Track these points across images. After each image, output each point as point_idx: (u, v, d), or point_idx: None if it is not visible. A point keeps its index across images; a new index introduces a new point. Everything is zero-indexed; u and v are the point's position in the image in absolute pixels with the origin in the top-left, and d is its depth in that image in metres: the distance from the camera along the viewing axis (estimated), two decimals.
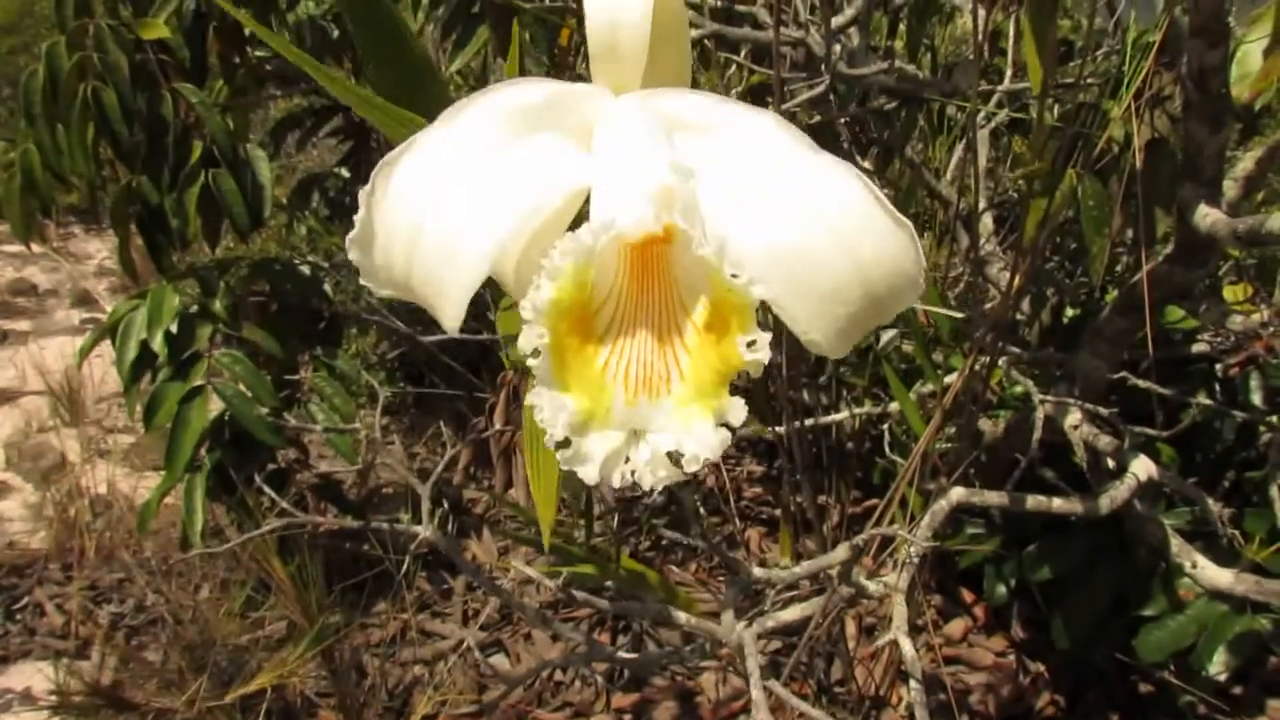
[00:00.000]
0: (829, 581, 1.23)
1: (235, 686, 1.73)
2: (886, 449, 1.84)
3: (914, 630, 1.18)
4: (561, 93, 0.52)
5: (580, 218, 0.50)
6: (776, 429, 1.73)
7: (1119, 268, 1.90)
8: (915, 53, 2.10)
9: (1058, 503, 1.34)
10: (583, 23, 0.53)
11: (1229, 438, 1.72)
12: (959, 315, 1.61)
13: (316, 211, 2.76)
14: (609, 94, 0.54)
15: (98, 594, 2.30)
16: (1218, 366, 1.74)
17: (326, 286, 2.27)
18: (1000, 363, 1.67)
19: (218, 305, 1.86)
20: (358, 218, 0.51)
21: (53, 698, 1.81)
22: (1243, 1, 1.32)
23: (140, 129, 1.76)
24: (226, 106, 1.89)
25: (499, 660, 2.05)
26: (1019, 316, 1.99)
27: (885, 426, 1.90)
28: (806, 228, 0.49)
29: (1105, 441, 1.42)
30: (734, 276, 0.44)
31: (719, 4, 1.82)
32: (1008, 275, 1.40)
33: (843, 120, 1.96)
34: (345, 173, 2.70)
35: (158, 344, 1.75)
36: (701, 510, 2.16)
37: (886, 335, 2.05)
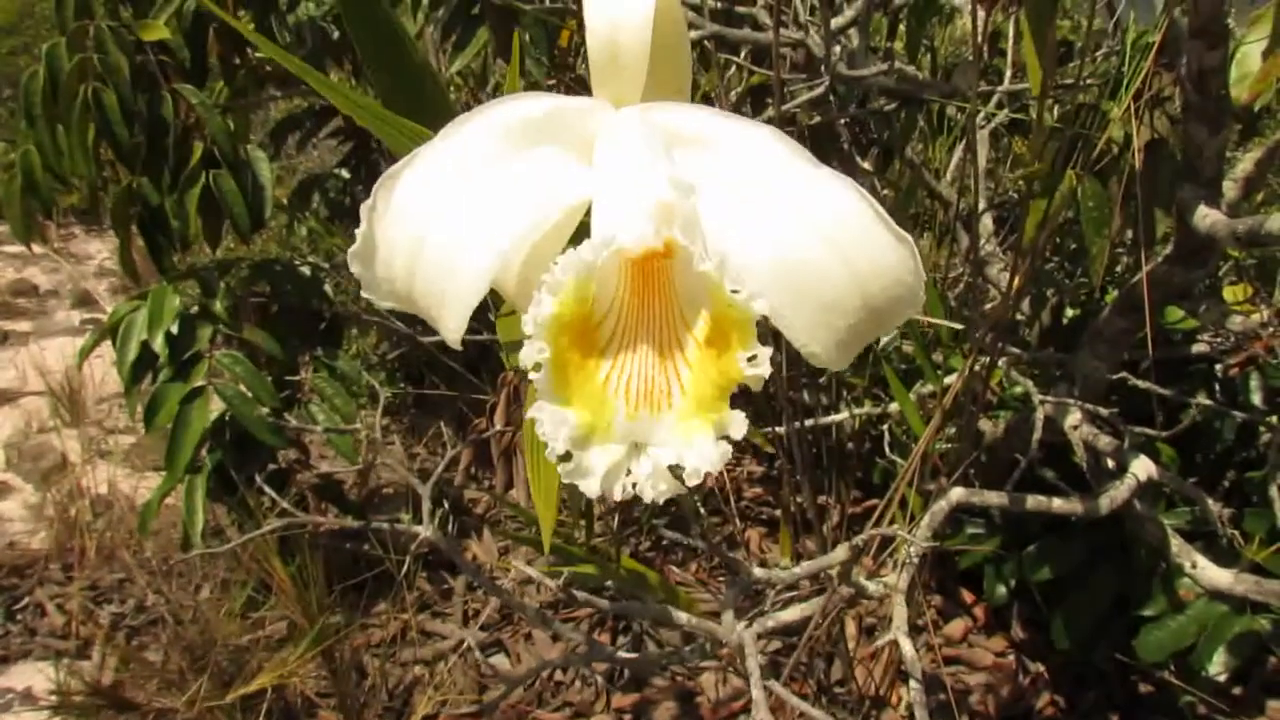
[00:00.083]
0: (829, 582, 1.23)
1: (236, 686, 1.73)
2: (886, 449, 1.84)
3: (914, 630, 1.19)
4: (562, 107, 0.53)
5: (582, 228, 0.50)
6: (776, 429, 1.73)
7: (1119, 268, 1.91)
8: (915, 54, 2.10)
9: (1058, 503, 1.34)
10: (583, 24, 0.53)
11: (1229, 438, 1.73)
12: (959, 326, 1.61)
13: (317, 212, 2.76)
14: (609, 107, 0.54)
15: (98, 594, 2.30)
16: (1217, 367, 1.74)
17: (327, 287, 2.28)
18: (1000, 363, 1.67)
19: (218, 306, 1.86)
20: (359, 231, 0.52)
21: (53, 698, 1.81)
22: (1242, 2, 1.32)
23: (141, 130, 1.76)
24: (227, 107, 1.89)
25: (499, 660, 2.05)
26: (1019, 317, 1.99)
27: (885, 427, 1.90)
28: (806, 241, 0.49)
29: (1105, 442, 1.42)
30: (735, 292, 0.44)
31: (719, 5, 1.82)
32: (1007, 276, 1.40)
33: (843, 121, 1.96)
34: (346, 174, 2.70)
35: (158, 345, 1.75)
36: (701, 510, 2.16)
37: (886, 336, 2.05)
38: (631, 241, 0.45)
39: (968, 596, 2.01)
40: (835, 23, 1.76)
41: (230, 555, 1.96)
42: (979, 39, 1.30)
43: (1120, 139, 1.38)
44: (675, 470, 0.46)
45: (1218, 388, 1.74)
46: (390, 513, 2.46)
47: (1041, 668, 1.84)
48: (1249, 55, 1.19)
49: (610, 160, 0.51)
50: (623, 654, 1.50)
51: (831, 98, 1.80)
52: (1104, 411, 1.45)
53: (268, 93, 2.34)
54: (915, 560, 1.23)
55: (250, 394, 1.78)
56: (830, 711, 1.70)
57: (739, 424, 0.46)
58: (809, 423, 1.82)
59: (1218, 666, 1.42)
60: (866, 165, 2.12)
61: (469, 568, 1.28)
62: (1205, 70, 1.15)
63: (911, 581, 1.21)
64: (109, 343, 1.82)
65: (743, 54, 1.97)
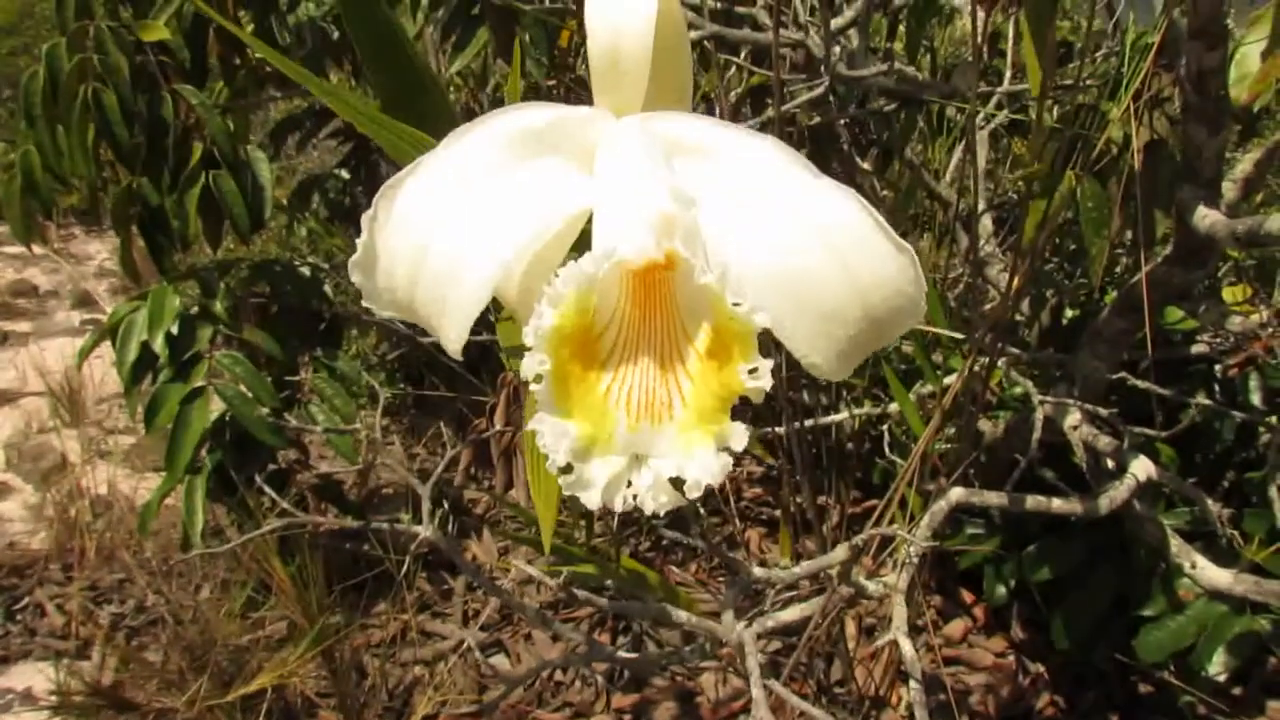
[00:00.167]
0: (829, 581, 1.23)
1: (236, 686, 1.73)
2: (886, 449, 1.84)
3: (914, 631, 1.19)
4: (563, 117, 0.53)
5: (584, 235, 0.50)
6: (776, 429, 1.73)
7: (1118, 269, 1.91)
8: (914, 54, 2.10)
9: (1057, 503, 1.34)
10: (583, 24, 0.54)
11: (1228, 438, 1.73)
12: (960, 335, 1.61)
13: (316, 213, 2.77)
14: (610, 116, 0.54)
15: (98, 594, 2.30)
16: (1217, 367, 1.74)
17: (327, 288, 2.28)
18: (1000, 363, 1.67)
19: (218, 306, 1.86)
20: (360, 241, 0.52)
21: (53, 698, 1.81)
22: (1242, 3, 1.32)
23: (141, 130, 1.76)
24: (227, 108, 1.89)
25: (499, 660, 2.05)
26: (1018, 317, 2.00)
27: (885, 427, 1.90)
28: (806, 251, 0.49)
29: (1105, 442, 1.42)
30: (736, 305, 0.44)
31: (718, 5, 1.82)
32: (1007, 276, 1.40)
33: (842, 121, 1.97)
34: (345, 174, 2.70)
35: (158, 345, 1.75)
36: (701, 510, 2.16)
37: (887, 345, 2.04)
38: (633, 253, 0.45)
39: (967, 597, 2.01)
40: (835, 23, 1.76)
41: (230, 555, 1.96)
42: (979, 40, 1.30)
43: (1120, 139, 1.38)
44: (676, 482, 0.46)
45: (1217, 388, 1.74)
46: (390, 513, 2.46)
47: (1041, 668, 1.84)
48: (1248, 56, 1.20)
49: (611, 171, 0.51)
50: (623, 654, 1.50)
51: (831, 98, 1.81)
52: (1103, 412, 1.45)
53: (267, 93, 2.34)
54: (915, 560, 1.23)
55: (250, 394, 1.78)
56: (830, 712, 1.70)
57: (740, 435, 0.46)
58: (809, 423, 1.82)
59: (1217, 667, 1.42)
60: (866, 166, 2.12)
61: (469, 568, 1.28)
62: (1205, 71, 1.15)
63: (911, 581, 1.21)
64: (108, 343, 1.82)
65: (743, 54, 1.97)
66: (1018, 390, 1.76)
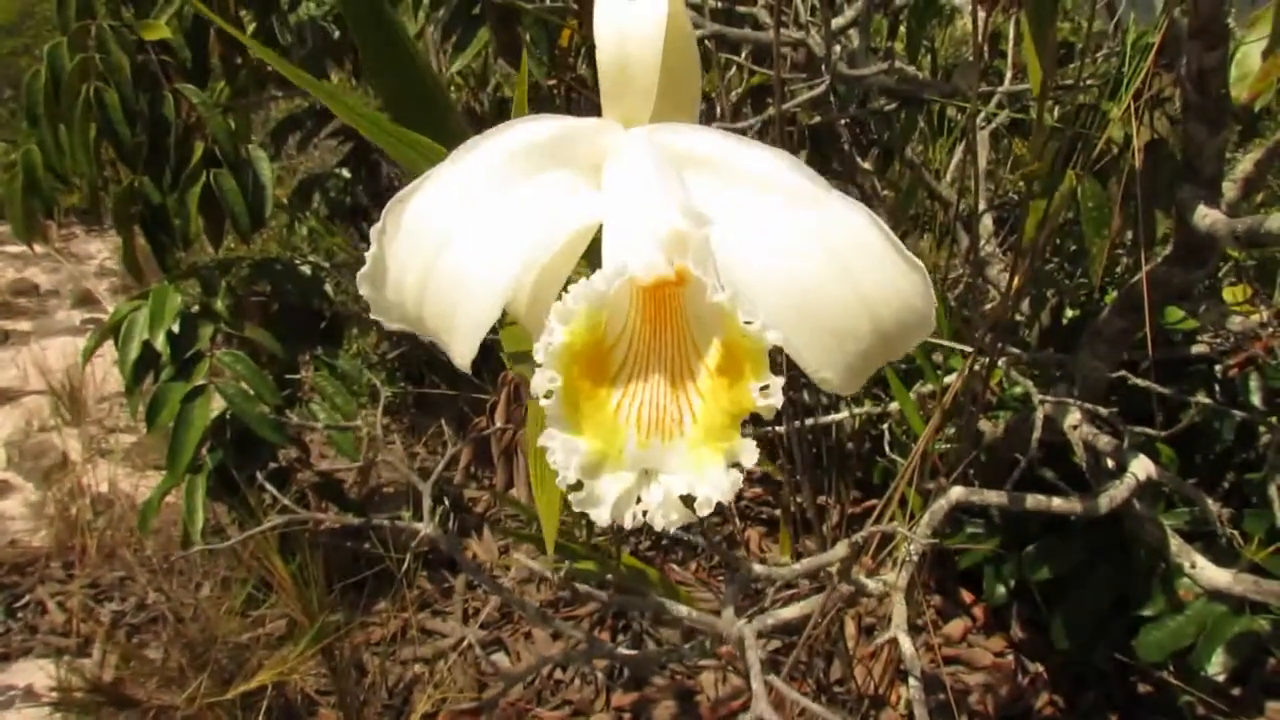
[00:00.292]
0: (828, 580, 1.23)
1: (236, 684, 1.73)
2: (886, 448, 1.84)
3: (913, 630, 1.19)
4: (571, 128, 0.52)
5: (594, 244, 0.50)
6: (777, 428, 1.73)
7: (1118, 269, 1.91)
8: (915, 54, 2.10)
9: (1057, 502, 1.34)
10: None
11: (1228, 438, 1.73)
12: (967, 349, 1.61)
13: (317, 212, 2.77)
14: (618, 128, 0.53)
15: (99, 592, 2.31)
16: (1217, 367, 1.74)
17: (327, 287, 2.28)
18: (1000, 363, 1.67)
19: (219, 305, 1.86)
20: (369, 254, 0.52)
21: (54, 695, 1.82)
22: (1242, 2, 1.32)
23: (142, 129, 1.76)
24: (228, 107, 1.90)
25: (499, 659, 2.05)
26: (1019, 317, 2.00)
27: (885, 426, 1.90)
28: (817, 268, 0.49)
29: (1105, 441, 1.42)
30: (748, 323, 0.44)
31: (719, 5, 1.83)
32: (1007, 276, 1.40)
33: (843, 121, 1.97)
34: (346, 173, 2.71)
35: (160, 344, 1.76)
36: None
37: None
38: (644, 271, 0.45)
39: (967, 596, 2.02)
40: (836, 23, 1.76)
41: (230, 553, 1.96)
42: (979, 39, 1.30)
43: (1120, 139, 1.38)
44: (687, 499, 0.46)
45: (1217, 388, 1.74)
46: (391, 512, 2.46)
47: (1041, 668, 1.84)
48: (1249, 55, 1.20)
49: (621, 185, 0.50)
50: (623, 651, 1.51)
51: (832, 97, 1.81)
52: (1103, 411, 1.45)
53: (269, 92, 2.34)
54: (915, 559, 1.23)
55: (251, 392, 1.79)
56: (829, 711, 1.70)
57: (750, 452, 0.46)
58: (809, 422, 1.82)
59: (1217, 667, 1.42)
60: (867, 165, 2.12)
61: (469, 565, 1.28)
62: (1205, 70, 1.16)
63: (911, 580, 1.22)
64: (109, 342, 1.82)
65: (743, 53, 1.97)
66: (1018, 390, 1.76)
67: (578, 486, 0.46)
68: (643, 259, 0.45)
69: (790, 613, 1.21)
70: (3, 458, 2.92)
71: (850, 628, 1.84)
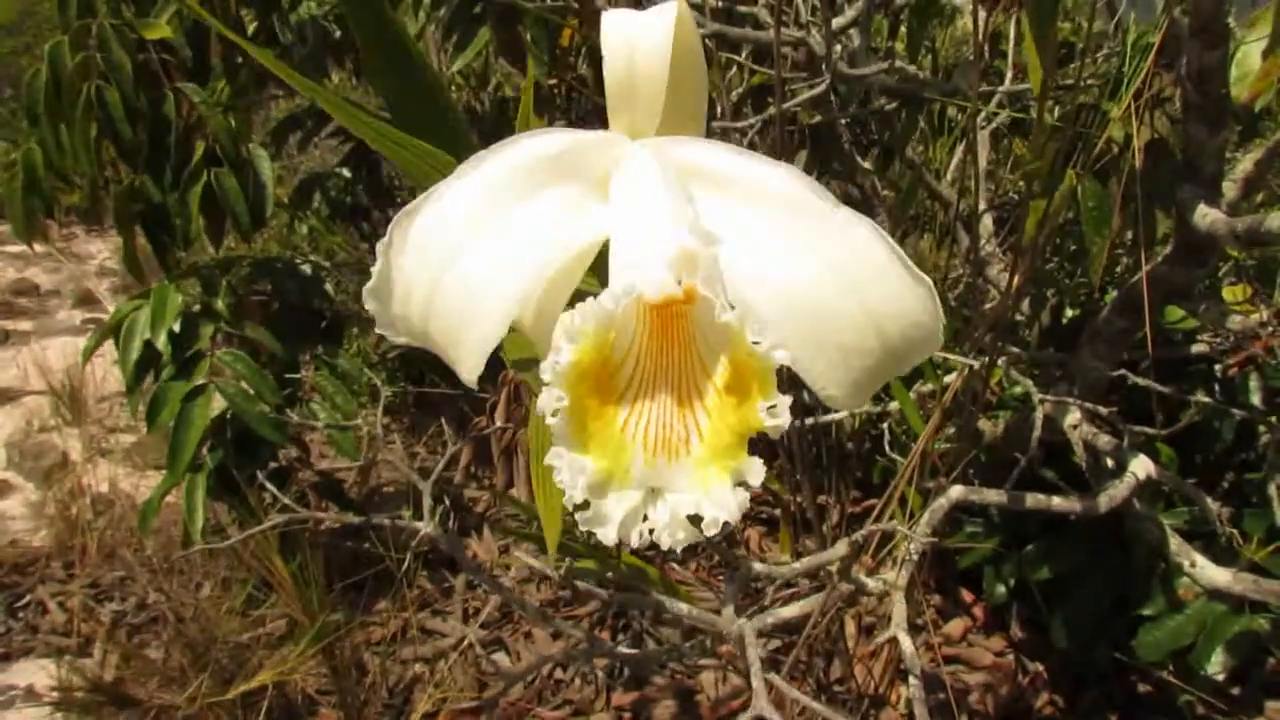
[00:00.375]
0: (828, 579, 1.24)
1: (236, 684, 1.73)
2: (886, 448, 1.84)
3: (913, 629, 1.19)
4: (578, 142, 0.52)
5: (601, 256, 0.50)
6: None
7: (1119, 268, 1.91)
8: (916, 54, 2.10)
9: (1057, 501, 1.34)
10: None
11: (1228, 438, 1.73)
12: (973, 363, 1.60)
13: (318, 211, 2.77)
14: (625, 140, 0.53)
15: (99, 592, 2.31)
16: (1217, 367, 1.74)
17: (328, 286, 2.28)
18: (1000, 363, 1.67)
19: (220, 304, 1.86)
20: (375, 269, 0.51)
21: (55, 694, 1.82)
22: (1242, 2, 1.32)
23: (143, 128, 1.76)
24: (229, 106, 1.90)
25: (499, 658, 2.05)
26: (1019, 317, 2.00)
27: (885, 426, 1.90)
28: (824, 285, 0.49)
29: (1104, 441, 1.42)
30: (756, 343, 0.44)
31: (720, 4, 1.83)
32: (1007, 276, 1.40)
33: (843, 121, 1.97)
34: (347, 173, 2.71)
35: (161, 343, 1.76)
36: None
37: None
38: (652, 290, 0.44)
39: (967, 596, 2.02)
40: (836, 22, 1.76)
41: (231, 553, 1.96)
42: (980, 39, 1.30)
43: (1120, 139, 1.38)
44: (694, 519, 0.46)
45: (1217, 387, 1.74)
46: (391, 511, 2.46)
47: (1040, 667, 1.84)
48: (1249, 55, 1.20)
49: (629, 201, 0.50)
50: (623, 650, 1.51)
51: (832, 97, 1.81)
52: (1103, 411, 1.45)
53: (269, 92, 2.34)
54: (915, 558, 1.23)
55: (252, 391, 1.79)
56: (829, 709, 1.70)
57: (757, 471, 0.45)
58: (809, 421, 1.82)
59: (1216, 666, 1.42)
60: (867, 165, 2.12)
61: (470, 564, 1.28)
62: (1205, 70, 1.16)
63: (911, 580, 1.22)
64: (109, 342, 1.83)
65: (744, 53, 1.98)
66: (1018, 390, 1.76)
67: (584, 505, 0.45)
68: (652, 278, 0.44)
69: (790, 612, 1.21)
70: (3, 457, 2.92)
71: (850, 627, 1.84)
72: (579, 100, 2.43)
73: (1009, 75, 1.88)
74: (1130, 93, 1.35)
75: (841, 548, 1.17)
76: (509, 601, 1.82)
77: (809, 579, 1.66)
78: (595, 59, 2.26)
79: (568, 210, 0.51)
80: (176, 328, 1.78)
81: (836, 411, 1.95)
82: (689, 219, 0.47)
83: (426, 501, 1.28)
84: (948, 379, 1.63)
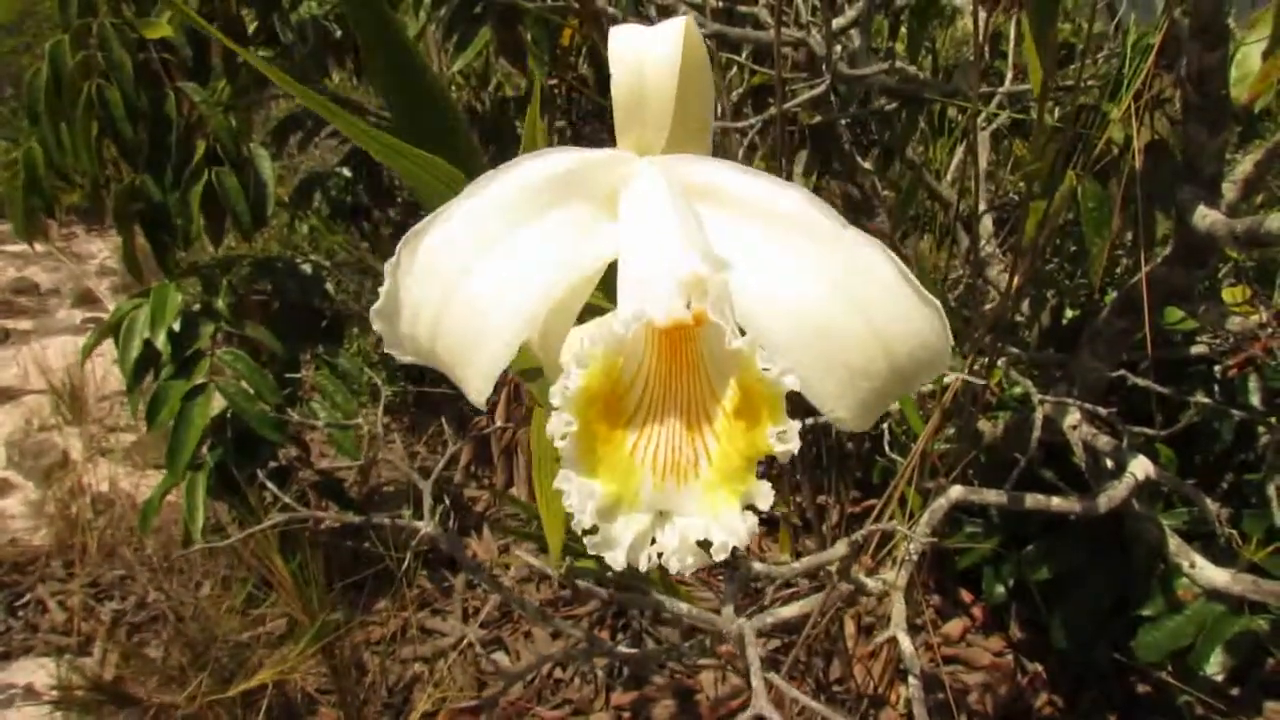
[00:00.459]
0: (828, 578, 1.24)
1: (236, 682, 1.73)
2: (886, 448, 1.84)
3: (913, 629, 1.19)
4: (585, 161, 0.52)
5: (609, 271, 0.50)
6: None
7: (1118, 269, 1.91)
8: (916, 54, 2.10)
9: (1056, 501, 1.34)
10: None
11: (1227, 439, 1.73)
12: (978, 381, 1.60)
13: (318, 211, 2.77)
14: (634, 158, 0.53)
15: (99, 591, 2.31)
16: (1216, 368, 1.74)
17: (328, 285, 2.28)
18: (1000, 363, 1.68)
19: (220, 304, 1.86)
20: (383, 289, 0.51)
21: (55, 693, 1.82)
22: (1242, 3, 1.33)
23: (144, 128, 1.76)
24: (229, 105, 1.90)
25: (499, 657, 2.05)
26: (1019, 318, 2.00)
27: (885, 426, 1.90)
28: (833, 305, 0.49)
29: (1104, 441, 1.42)
30: (766, 370, 0.44)
31: (720, 4, 1.83)
32: (1007, 277, 1.40)
33: (844, 121, 1.97)
34: (347, 172, 2.71)
35: (161, 342, 1.76)
36: None
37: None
38: (662, 316, 0.44)
39: (966, 596, 2.02)
40: (837, 23, 1.76)
41: (231, 552, 1.96)
42: (980, 40, 1.30)
43: (1120, 140, 1.38)
44: (703, 544, 0.46)
45: (1216, 388, 1.74)
46: (391, 510, 2.47)
47: (1040, 667, 1.84)
48: (1249, 56, 1.20)
49: (639, 223, 0.50)
50: (622, 649, 1.51)
51: (833, 97, 1.81)
52: (1103, 411, 1.46)
53: (270, 91, 2.34)
54: (914, 558, 1.23)
55: (252, 391, 1.79)
56: (828, 709, 1.70)
57: (765, 495, 0.45)
58: (809, 422, 1.82)
59: (1215, 666, 1.42)
60: (867, 165, 2.12)
61: (470, 564, 1.28)
62: (1205, 71, 1.16)
63: (910, 580, 1.22)
64: (110, 341, 1.83)
65: (744, 53, 1.98)
66: (1018, 390, 1.76)
67: (593, 530, 0.45)
68: (661, 304, 0.44)
69: (790, 611, 1.21)
70: (3, 456, 2.92)
71: (850, 627, 1.84)
72: (579, 100, 2.44)
73: (1009, 76, 1.88)
74: (1130, 94, 1.35)
75: (841, 548, 1.17)
76: (509, 601, 1.82)
77: (809, 579, 1.67)
78: (595, 59, 2.26)
79: (576, 230, 0.51)
80: (176, 327, 1.78)
81: None
82: (699, 243, 0.47)
83: (426, 501, 1.28)
84: (948, 379, 1.63)
